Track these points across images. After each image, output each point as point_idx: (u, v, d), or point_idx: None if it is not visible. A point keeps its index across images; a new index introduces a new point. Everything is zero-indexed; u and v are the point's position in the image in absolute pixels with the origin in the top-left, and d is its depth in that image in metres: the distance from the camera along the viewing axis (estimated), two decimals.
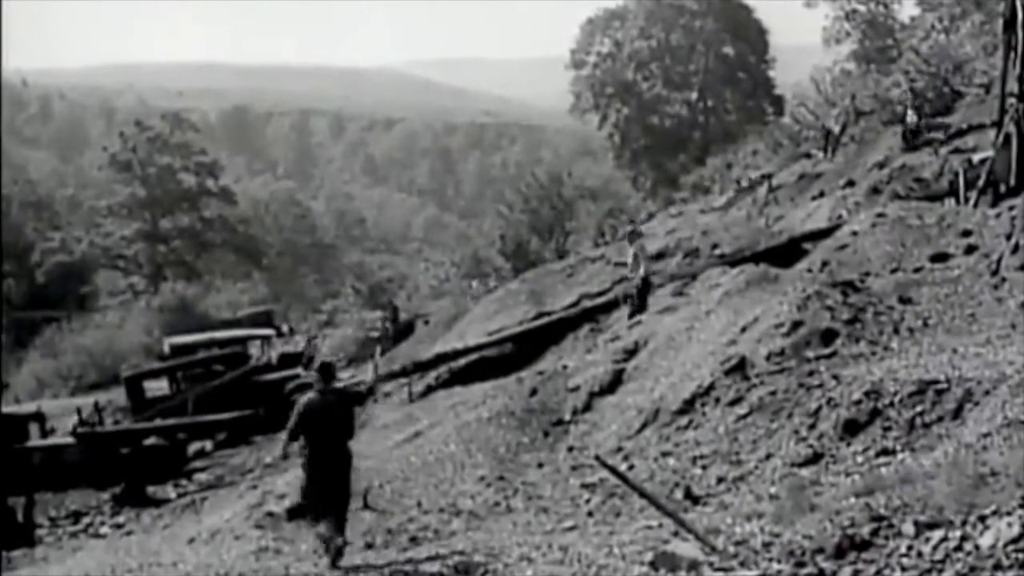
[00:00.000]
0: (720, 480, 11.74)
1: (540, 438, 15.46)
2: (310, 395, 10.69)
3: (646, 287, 21.36)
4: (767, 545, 7.47)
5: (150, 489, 20.74)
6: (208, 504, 18.27)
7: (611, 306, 22.27)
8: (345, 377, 29.07)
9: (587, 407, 15.90)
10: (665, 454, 12.88)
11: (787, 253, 21.31)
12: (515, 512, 12.56)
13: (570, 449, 14.65)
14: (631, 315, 20.75)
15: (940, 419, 10.86)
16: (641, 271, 21.37)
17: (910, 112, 31.68)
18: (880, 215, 20.04)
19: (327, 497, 10.31)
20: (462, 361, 22.74)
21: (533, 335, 22.64)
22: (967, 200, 21.55)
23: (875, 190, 27.72)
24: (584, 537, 9.89)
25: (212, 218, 70.31)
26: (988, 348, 12.56)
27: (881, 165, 30.39)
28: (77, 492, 21.10)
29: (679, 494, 11.32)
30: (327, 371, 11.03)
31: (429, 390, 21.80)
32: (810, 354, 13.82)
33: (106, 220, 68.57)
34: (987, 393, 10.70)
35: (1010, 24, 21.10)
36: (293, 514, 13.77)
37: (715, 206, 37.94)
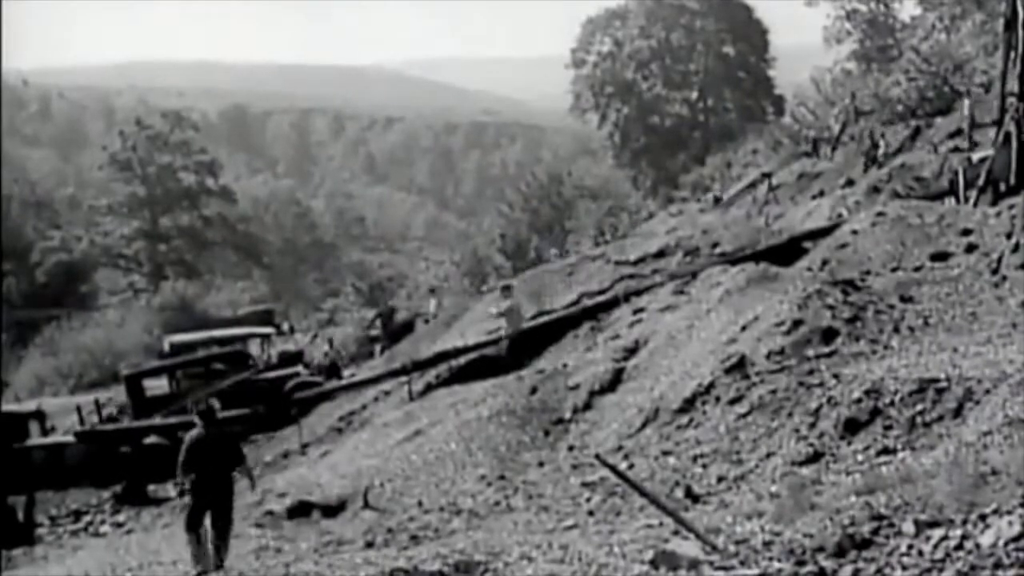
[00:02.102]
0: (720, 479, 11.74)
1: (540, 437, 15.46)
2: (194, 433, 11.83)
3: (521, 342, 21.47)
4: (768, 544, 7.46)
5: (151, 488, 20.75)
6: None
7: (611, 305, 22.25)
8: (346, 375, 29.15)
9: (587, 406, 15.91)
10: (665, 453, 12.89)
11: (787, 252, 21.29)
12: (515, 511, 12.56)
13: (570, 448, 14.65)
14: (504, 371, 20.74)
15: (941, 418, 10.87)
16: (512, 329, 21.63)
17: (882, 143, 32.05)
18: (880, 214, 20.04)
19: (213, 518, 11.50)
20: (462, 359, 22.74)
21: (533, 334, 22.63)
22: (967, 199, 21.55)
23: (875, 189, 27.72)
24: (584, 536, 9.89)
25: (212, 217, 70.29)
26: (988, 347, 12.56)
27: (881, 164, 30.40)
28: (77, 491, 21.10)
29: (679, 493, 11.32)
30: (208, 413, 12.03)
31: (429, 388, 21.79)
32: (810, 353, 13.82)
33: (106, 219, 68.57)
34: (988, 392, 10.70)
35: (1011, 23, 21.10)
36: (292, 513, 13.81)
37: (716, 196, 38.17)
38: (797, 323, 14.71)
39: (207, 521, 11.56)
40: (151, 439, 22.33)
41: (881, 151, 31.45)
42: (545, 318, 23.38)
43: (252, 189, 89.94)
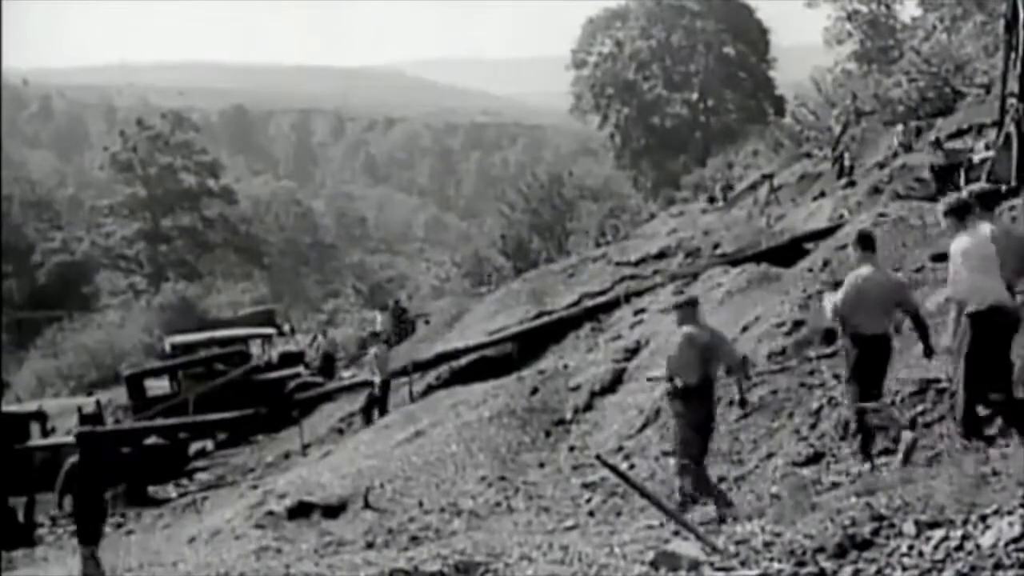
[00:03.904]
0: (721, 479, 11.72)
1: (541, 437, 15.46)
2: (72, 460, 12.33)
3: (384, 392, 21.45)
4: (768, 544, 7.45)
5: (151, 488, 20.75)
6: (209, 504, 18.29)
7: (612, 305, 22.26)
8: (347, 376, 29.17)
9: (588, 406, 15.91)
10: (666, 453, 12.86)
11: (788, 253, 21.29)
12: (516, 511, 12.57)
13: (571, 448, 14.66)
14: (366, 422, 20.79)
15: (941, 418, 10.86)
16: (378, 377, 21.48)
17: (847, 155, 32.31)
18: (881, 215, 20.03)
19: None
20: (463, 360, 22.75)
21: (534, 334, 22.64)
22: None
23: (876, 190, 27.71)
24: (585, 536, 9.89)
25: (213, 218, 70.36)
26: None
27: (882, 165, 30.40)
28: None
29: (680, 494, 11.31)
30: (86, 439, 12.71)
31: (430, 389, 21.80)
32: (811, 353, 13.82)
33: (107, 220, 68.65)
34: None
35: (1011, 24, 21.08)
36: (293, 513, 13.82)
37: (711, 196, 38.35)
38: (798, 324, 14.71)
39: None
40: (152, 440, 22.34)
41: (848, 163, 31.86)
42: (546, 319, 23.41)
43: (253, 190, 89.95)
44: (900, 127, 31.48)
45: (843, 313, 9.30)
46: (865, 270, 9.33)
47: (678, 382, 9.60)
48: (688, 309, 9.95)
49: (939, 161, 24.45)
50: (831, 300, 9.54)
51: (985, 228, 8.89)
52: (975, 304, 8.62)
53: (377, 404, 21.44)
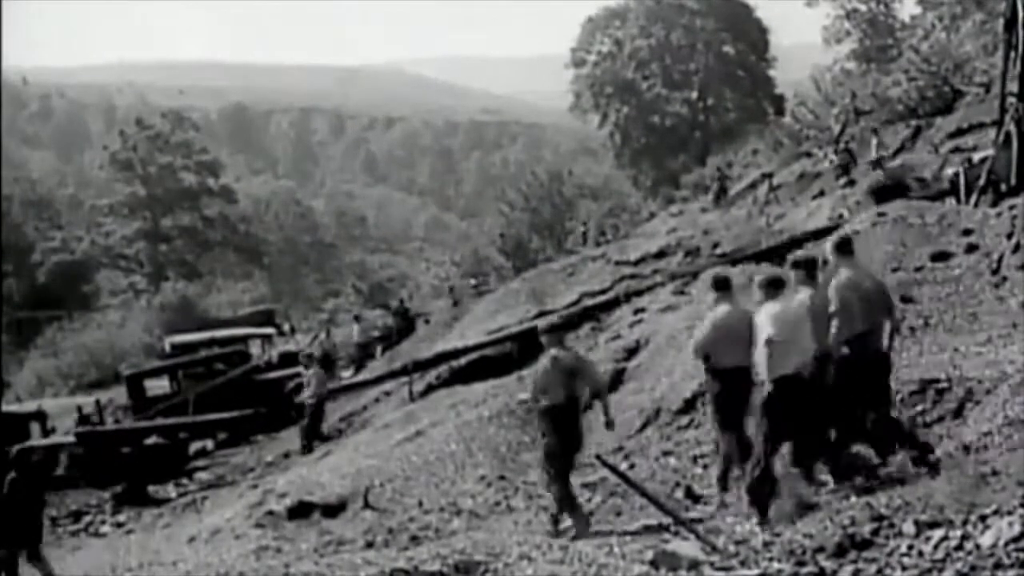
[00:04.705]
0: (721, 479, 11.73)
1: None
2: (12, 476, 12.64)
3: (319, 413, 21.20)
4: (768, 544, 7.47)
5: (151, 488, 20.75)
6: (209, 503, 18.28)
7: (611, 305, 22.25)
8: (346, 376, 29.18)
9: (588, 406, 15.87)
10: (666, 453, 12.88)
11: (788, 252, 21.28)
12: (516, 511, 12.56)
13: None
14: (304, 450, 20.42)
15: (941, 418, 10.86)
16: (313, 397, 21.10)
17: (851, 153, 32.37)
18: (881, 214, 20.02)
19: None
20: (463, 360, 22.73)
21: (534, 334, 22.60)
22: (968, 199, 21.55)
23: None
24: (585, 536, 9.90)
25: (213, 217, 70.39)
26: (989, 347, 12.55)
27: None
28: (78, 491, 21.11)
29: (680, 493, 11.32)
30: (21, 461, 13.04)
31: (430, 389, 21.79)
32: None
33: (107, 219, 68.68)
34: (988, 392, 10.70)
35: (1011, 23, 21.09)
36: (293, 513, 13.82)
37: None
38: None
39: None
40: (152, 439, 22.34)
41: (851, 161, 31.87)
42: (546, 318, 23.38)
43: (253, 189, 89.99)
44: (874, 140, 31.45)
45: (706, 350, 10.07)
46: (723, 309, 10.06)
47: (544, 401, 10.26)
48: (555, 334, 10.78)
49: (882, 180, 24.67)
50: (693, 339, 10.35)
51: (803, 295, 9.41)
52: (779, 371, 8.98)
53: (309, 427, 21.00)
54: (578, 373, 10.35)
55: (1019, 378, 10.61)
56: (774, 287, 9.36)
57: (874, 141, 31.36)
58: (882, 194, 23.36)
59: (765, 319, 9.12)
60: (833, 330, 9.18)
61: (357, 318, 35.54)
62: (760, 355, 9.05)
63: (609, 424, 10.85)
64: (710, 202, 38.85)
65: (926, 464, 8.90)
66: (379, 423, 20.02)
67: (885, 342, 9.58)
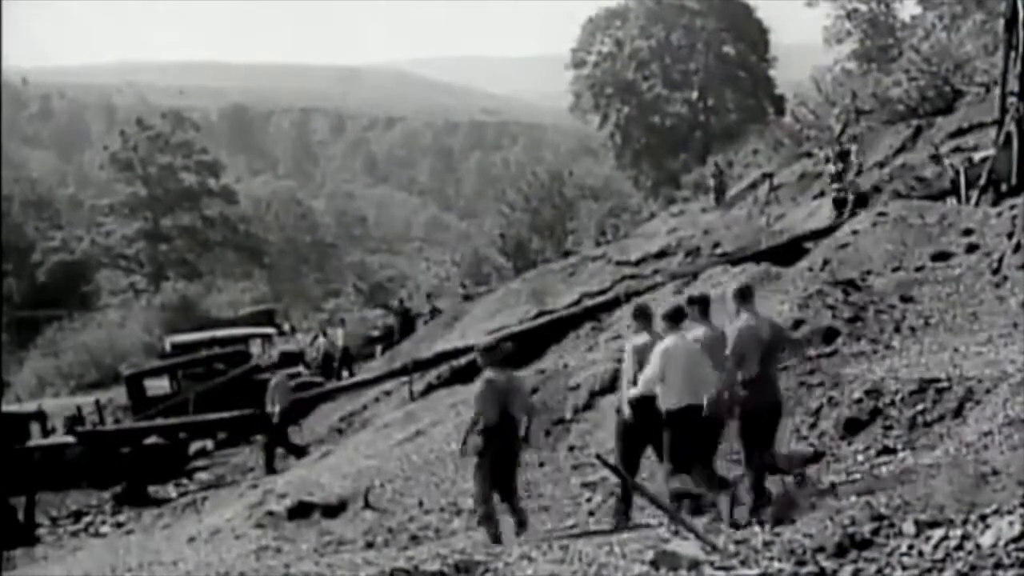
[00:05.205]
0: (721, 479, 11.72)
1: (541, 437, 15.43)
2: None
3: (283, 426, 20.87)
4: (768, 544, 7.46)
5: (151, 488, 20.75)
6: (209, 503, 18.29)
7: (612, 305, 22.24)
8: (346, 375, 29.18)
9: (588, 406, 15.88)
10: None
11: (788, 252, 21.30)
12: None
13: (571, 448, 14.64)
14: (267, 471, 19.92)
15: (941, 418, 10.87)
16: (279, 407, 20.63)
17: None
18: (881, 214, 20.03)
19: None
20: (463, 360, 22.71)
21: (534, 334, 22.61)
22: (968, 199, 21.56)
23: (876, 189, 27.72)
24: (585, 536, 9.90)
25: (213, 217, 70.33)
26: (989, 347, 12.57)
27: (882, 164, 30.41)
28: (78, 491, 21.11)
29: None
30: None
31: (430, 389, 21.78)
32: (811, 352, 13.81)
33: (107, 219, 68.63)
34: (988, 392, 10.70)
35: (1011, 23, 21.10)
36: (293, 513, 13.83)
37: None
38: (798, 323, 14.70)
39: None
40: (152, 439, 22.34)
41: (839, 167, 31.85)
42: (546, 318, 23.39)
43: (253, 189, 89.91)
44: (854, 147, 31.44)
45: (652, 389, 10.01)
46: (639, 339, 10.28)
47: (480, 421, 10.62)
48: (490, 354, 11.02)
49: (843, 193, 24.81)
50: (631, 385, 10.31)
51: (698, 331, 9.98)
52: (672, 402, 9.63)
53: (274, 440, 20.68)
54: (510, 394, 10.66)
55: (1019, 378, 10.62)
56: (673, 319, 10.01)
57: (854, 148, 31.38)
58: (841, 206, 23.49)
59: (658, 352, 9.77)
60: (729, 371, 9.72)
61: (343, 321, 35.04)
62: (627, 387, 9.90)
63: (526, 439, 11.08)
64: (711, 202, 38.84)
65: (758, 511, 9.34)
66: (379, 423, 20.02)
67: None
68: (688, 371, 9.62)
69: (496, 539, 10.45)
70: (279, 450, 20.82)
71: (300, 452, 20.54)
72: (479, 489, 10.71)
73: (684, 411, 9.59)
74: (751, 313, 9.91)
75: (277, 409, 20.63)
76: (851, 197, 24.91)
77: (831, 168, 28.85)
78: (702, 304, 10.36)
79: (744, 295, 10.07)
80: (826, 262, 18.51)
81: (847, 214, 23.06)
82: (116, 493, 20.56)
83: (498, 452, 10.58)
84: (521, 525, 10.61)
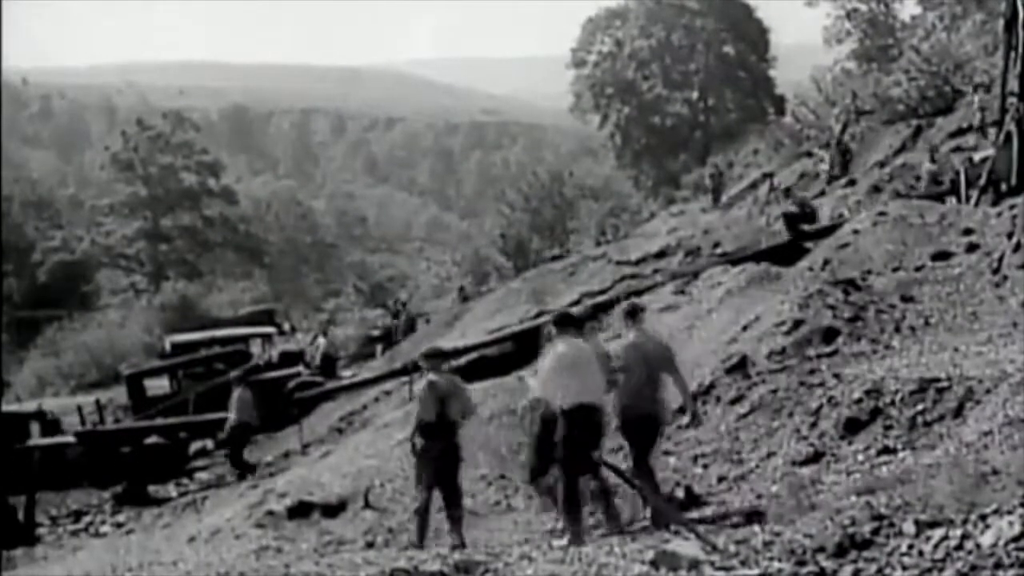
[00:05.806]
0: (721, 479, 11.74)
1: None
2: None
3: (242, 440, 20.64)
4: (768, 544, 7.45)
5: (151, 488, 20.75)
6: (209, 503, 18.27)
7: (612, 305, 22.24)
8: (347, 375, 29.15)
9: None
10: (666, 453, 12.86)
11: (788, 252, 21.30)
12: (516, 511, 12.57)
13: None
14: (240, 477, 19.77)
15: (941, 418, 10.86)
16: (234, 420, 20.36)
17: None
18: (881, 213, 20.04)
19: None
20: (463, 360, 22.71)
21: (534, 333, 22.59)
22: (968, 199, 21.58)
23: (876, 188, 27.73)
24: (585, 535, 9.90)
25: (213, 217, 70.37)
26: (989, 346, 12.56)
27: (882, 164, 30.43)
28: (78, 491, 21.11)
29: (680, 493, 11.32)
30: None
31: None
32: (811, 352, 13.81)
33: (107, 219, 68.67)
34: (988, 391, 10.70)
35: (1011, 23, 21.10)
36: (293, 513, 13.82)
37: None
38: (798, 323, 14.70)
39: None
40: (152, 439, 22.34)
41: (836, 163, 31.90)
42: (546, 318, 23.36)
43: (253, 189, 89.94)
44: (827, 155, 31.50)
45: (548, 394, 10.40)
46: (562, 347, 10.33)
47: (421, 421, 11.17)
48: (433, 360, 11.62)
49: (789, 209, 24.81)
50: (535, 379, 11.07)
51: (579, 341, 10.40)
52: (568, 402, 9.93)
53: (232, 454, 20.51)
54: (450, 396, 11.13)
55: (1019, 378, 10.61)
56: (562, 325, 10.48)
57: (826, 156, 31.45)
58: (792, 220, 23.51)
59: (550, 355, 10.22)
60: (618, 384, 10.42)
61: (325, 333, 34.50)
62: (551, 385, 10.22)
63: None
64: (710, 202, 38.88)
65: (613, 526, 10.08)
66: (379, 423, 19.99)
67: (679, 400, 11.21)
68: (580, 372, 10.02)
69: (421, 539, 10.93)
70: (246, 456, 20.78)
71: (248, 469, 20.17)
72: (417, 485, 11.38)
73: (578, 410, 9.94)
74: (638, 331, 10.70)
75: (231, 420, 20.37)
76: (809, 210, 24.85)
77: (824, 167, 28.94)
78: (582, 321, 11.23)
79: (632, 314, 10.88)
80: (826, 262, 18.51)
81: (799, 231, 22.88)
82: (116, 493, 20.55)
83: (440, 452, 11.08)
84: (455, 522, 11.09)
